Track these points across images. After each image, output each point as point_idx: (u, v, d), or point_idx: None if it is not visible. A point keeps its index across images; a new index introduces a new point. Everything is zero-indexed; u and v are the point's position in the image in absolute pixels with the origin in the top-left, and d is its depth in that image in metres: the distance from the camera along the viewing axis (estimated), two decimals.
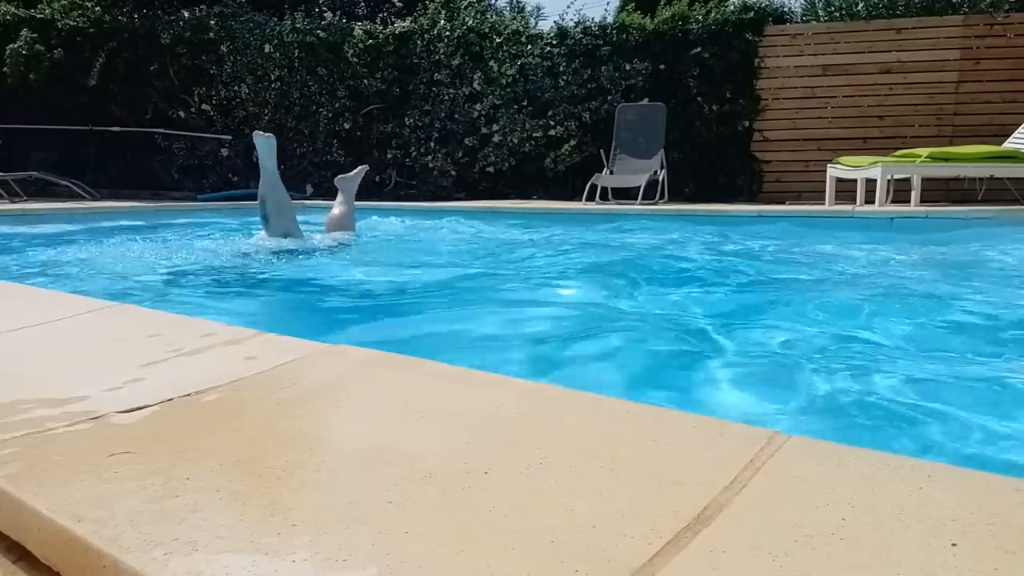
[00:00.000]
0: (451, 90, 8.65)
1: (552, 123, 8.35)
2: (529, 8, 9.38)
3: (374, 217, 6.10)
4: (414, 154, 8.87)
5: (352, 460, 0.99)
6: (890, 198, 6.40)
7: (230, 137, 8.94)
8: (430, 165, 8.80)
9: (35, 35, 8.60)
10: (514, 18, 8.74)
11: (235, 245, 4.60)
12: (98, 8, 8.90)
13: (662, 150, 7.68)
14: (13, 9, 8.90)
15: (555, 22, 8.64)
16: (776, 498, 0.84)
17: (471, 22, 8.65)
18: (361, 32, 8.76)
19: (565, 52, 8.31)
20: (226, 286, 3.47)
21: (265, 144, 4.37)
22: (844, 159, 6.83)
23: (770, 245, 4.72)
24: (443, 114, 8.70)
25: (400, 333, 2.54)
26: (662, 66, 8.12)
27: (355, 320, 2.85)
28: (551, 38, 8.43)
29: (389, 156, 8.97)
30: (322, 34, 8.85)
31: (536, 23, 8.97)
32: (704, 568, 0.71)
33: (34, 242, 5.08)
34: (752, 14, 7.97)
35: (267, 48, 8.88)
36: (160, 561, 0.73)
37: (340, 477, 0.93)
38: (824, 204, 6.88)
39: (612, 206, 7.22)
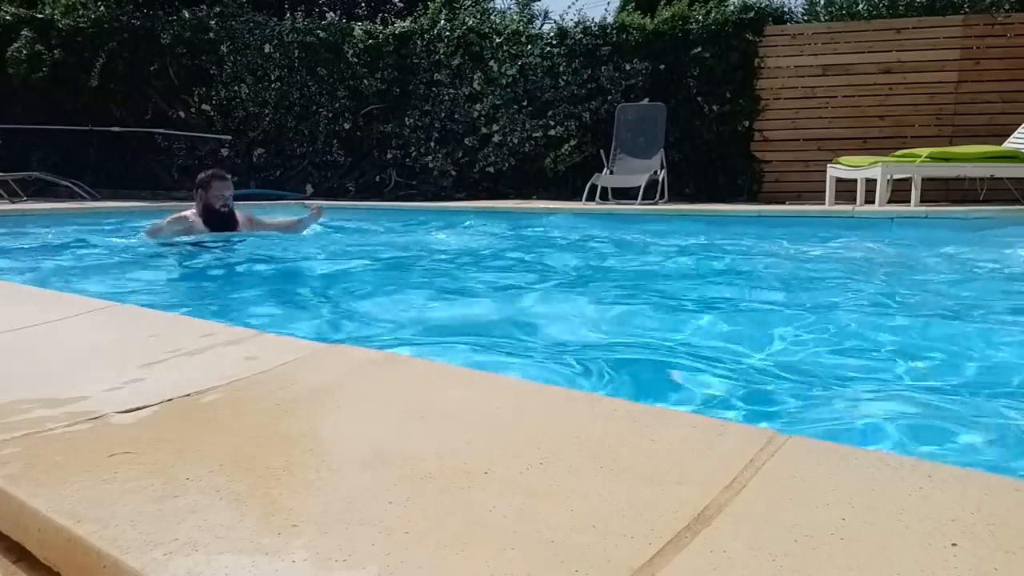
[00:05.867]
0: (451, 90, 8.64)
1: (552, 123, 8.34)
2: (536, 8, 9.27)
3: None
4: (414, 154, 8.86)
5: (352, 460, 0.99)
6: (888, 197, 6.39)
7: (230, 137, 8.92)
8: (430, 165, 8.79)
9: (35, 35, 8.59)
10: (519, 19, 8.71)
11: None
12: (100, 8, 8.89)
13: (662, 150, 7.67)
14: (13, 9, 8.89)
15: (554, 22, 8.63)
16: (776, 498, 0.84)
17: (471, 22, 8.65)
18: (361, 32, 8.75)
19: (565, 52, 8.30)
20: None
21: None
22: (844, 159, 6.83)
23: (770, 245, 4.72)
24: (443, 114, 8.69)
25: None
26: (662, 66, 8.11)
27: None
28: (551, 38, 8.41)
29: (389, 156, 8.96)
30: (322, 34, 8.84)
31: (541, 25, 8.94)
32: (704, 568, 0.71)
33: (34, 242, 5.08)
34: (752, 14, 7.95)
35: (267, 48, 8.87)
36: (160, 561, 0.73)
37: (340, 477, 0.93)
38: (824, 204, 6.88)
39: (612, 206, 7.21)
